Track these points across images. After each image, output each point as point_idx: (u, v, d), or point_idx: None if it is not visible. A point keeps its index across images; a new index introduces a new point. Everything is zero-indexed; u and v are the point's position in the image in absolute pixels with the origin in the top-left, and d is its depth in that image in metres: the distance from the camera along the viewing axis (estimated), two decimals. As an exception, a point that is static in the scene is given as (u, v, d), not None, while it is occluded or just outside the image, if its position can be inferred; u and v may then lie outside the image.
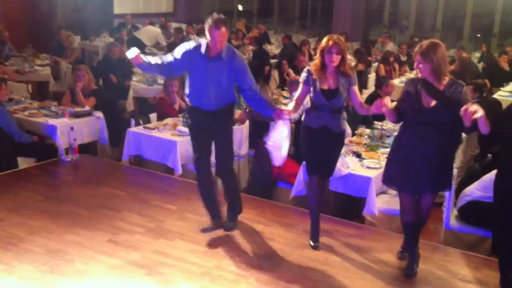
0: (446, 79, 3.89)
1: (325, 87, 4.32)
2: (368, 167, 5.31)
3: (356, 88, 4.40)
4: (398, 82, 9.57)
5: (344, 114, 4.47)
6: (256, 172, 6.00)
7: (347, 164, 5.34)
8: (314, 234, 4.61)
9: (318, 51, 4.34)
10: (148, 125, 6.41)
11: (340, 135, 4.46)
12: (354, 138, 6.21)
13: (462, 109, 3.61)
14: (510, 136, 3.86)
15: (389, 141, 5.81)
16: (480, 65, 11.76)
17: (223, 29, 4.20)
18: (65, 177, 6.08)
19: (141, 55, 4.29)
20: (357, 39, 15.51)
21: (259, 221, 5.04)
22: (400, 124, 4.19)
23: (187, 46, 4.44)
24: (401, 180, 4.07)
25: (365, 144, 5.98)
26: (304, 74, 4.42)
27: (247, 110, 6.66)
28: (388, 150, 4.50)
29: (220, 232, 4.72)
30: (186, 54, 4.39)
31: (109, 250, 4.35)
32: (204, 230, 4.67)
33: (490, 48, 13.47)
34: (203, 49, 4.34)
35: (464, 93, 3.86)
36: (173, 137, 6.04)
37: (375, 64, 11.12)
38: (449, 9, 15.80)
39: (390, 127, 6.16)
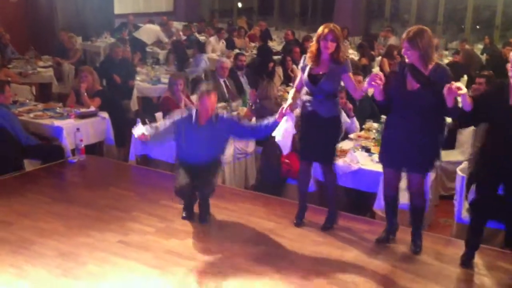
0: (432, 64, 4.01)
1: (314, 73, 4.45)
2: (378, 162, 5.27)
3: (350, 74, 4.48)
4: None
5: (337, 100, 4.56)
6: (264, 170, 5.96)
7: (357, 159, 5.31)
8: (299, 214, 4.90)
9: (314, 39, 4.47)
10: (153, 124, 6.35)
11: (330, 120, 4.50)
12: (362, 133, 6.18)
13: (446, 86, 3.73)
14: (491, 115, 3.93)
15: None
16: (483, 57, 11.70)
17: (213, 96, 4.72)
18: (73, 178, 6.06)
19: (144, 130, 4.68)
20: (358, 33, 15.48)
21: (270, 218, 5.01)
22: None
23: (176, 116, 4.84)
24: (385, 157, 4.35)
25: (374, 138, 5.94)
26: (301, 61, 4.62)
27: (253, 108, 6.62)
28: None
29: (230, 230, 4.70)
30: (175, 125, 4.83)
31: (121, 251, 4.32)
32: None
33: (493, 39, 13.41)
34: (193, 118, 4.78)
35: (448, 76, 3.95)
36: (180, 136, 6.00)
37: (378, 58, 11.07)
38: (451, 1, 15.75)
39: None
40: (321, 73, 4.43)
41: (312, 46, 4.47)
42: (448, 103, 3.81)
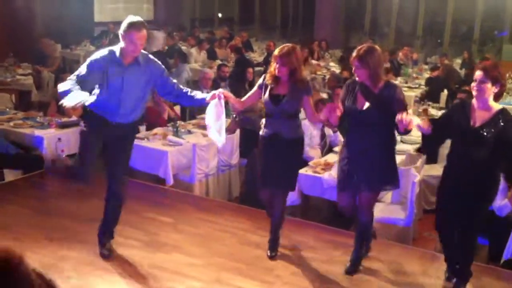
0: (382, 82, 4.03)
1: (274, 93, 4.28)
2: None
3: (309, 98, 4.31)
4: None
5: (299, 121, 4.39)
6: (249, 182, 5.95)
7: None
8: (272, 245, 4.56)
9: (272, 59, 4.31)
10: (137, 135, 6.30)
11: (293, 142, 4.32)
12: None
13: (397, 118, 3.74)
14: (453, 135, 3.98)
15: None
16: (462, 72, 11.89)
17: (144, 31, 4.07)
18: (53, 189, 5.95)
19: (71, 96, 3.89)
20: (338, 46, 15.59)
21: (254, 231, 4.99)
22: None
23: (97, 55, 4.13)
24: (341, 179, 4.19)
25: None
26: (260, 79, 4.42)
27: (237, 120, 6.61)
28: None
29: (216, 244, 4.66)
30: (97, 64, 4.07)
31: (105, 265, 4.25)
32: None
33: (471, 54, 13.63)
34: (117, 54, 4.08)
35: (397, 93, 4.02)
36: (164, 147, 5.97)
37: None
38: (430, 15, 15.99)
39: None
40: (282, 93, 4.25)
41: (271, 66, 4.27)
42: (400, 129, 3.85)
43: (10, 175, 6.03)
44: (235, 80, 9.34)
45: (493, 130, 3.71)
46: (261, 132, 4.41)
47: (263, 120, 4.44)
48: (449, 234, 4.09)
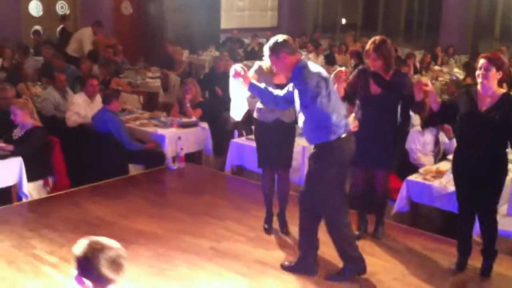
0: (392, 71, 4.49)
1: (277, 82, 4.46)
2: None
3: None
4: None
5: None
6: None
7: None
8: (267, 218, 5.00)
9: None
10: (250, 136, 6.53)
11: (292, 125, 4.66)
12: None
13: (416, 82, 4.26)
14: (460, 120, 4.21)
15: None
16: None
17: None
18: (172, 184, 6.35)
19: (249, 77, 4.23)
20: (465, 52, 14.93)
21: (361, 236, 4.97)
22: None
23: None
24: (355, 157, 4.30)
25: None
26: (255, 66, 4.64)
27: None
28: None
29: (321, 247, 4.71)
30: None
31: (212, 257, 4.49)
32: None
33: None
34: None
35: (407, 79, 4.56)
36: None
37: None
38: None
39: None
40: (285, 83, 4.32)
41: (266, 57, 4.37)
42: (417, 97, 4.26)
43: (133, 170, 6.52)
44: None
45: (499, 113, 3.97)
46: (260, 118, 4.67)
47: (259, 108, 4.64)
48: (467, 218, 4.29)
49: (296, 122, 4.52)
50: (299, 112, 4.05)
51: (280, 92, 4.20)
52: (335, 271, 4.22)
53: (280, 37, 4.07)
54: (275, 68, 4.14)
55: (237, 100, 4.46)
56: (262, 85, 4.23)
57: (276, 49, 4.00)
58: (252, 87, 4.20)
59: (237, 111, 4.53)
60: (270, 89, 4.23)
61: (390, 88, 4.46)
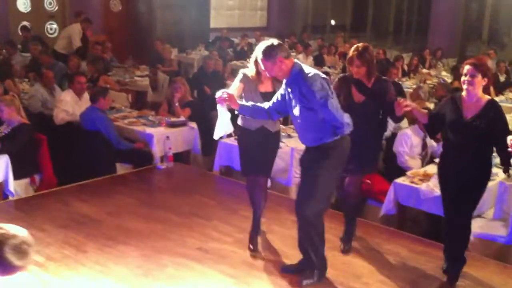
0: (373, 77, 4.48)
1: (262, 90, 4.45)
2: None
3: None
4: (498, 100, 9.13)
5: None
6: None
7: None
8: (252, 236, 4.74)
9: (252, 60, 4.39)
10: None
11: (276, 134, 4.66)
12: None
13: (396, 102, 4.26)
14: (446, 127, 4.23)
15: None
16: None
17: None
18: (160, 184, 6.33)
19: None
20: (453, 55, 15.04)
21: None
22: None
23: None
24: None
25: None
26: (240, 74, 4.51)
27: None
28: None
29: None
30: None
31: (199, 258, 4.48)
32: None
33: None
34: None
35: (388, 86, 4.55)
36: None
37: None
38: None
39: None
40: (270, 91, 4.39)
41: (252, 67, 4.41)
42: (397, 112, 4.32)
43: (121, 169, 6.49)
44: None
45: (485, 121, 3.98)
46: (243, 125, 4.55)
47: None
48: (451, 221, 4.27)
49: (279, 131, 4.67)
50: (296, 117, 3.98)
51: (268, 104, 4.17)
52: (306, 274, 4.16)
53: (274, 41, 3.98)
54: (269, 73, 4.01)
55: (222, 121, 4.23)
56: (250, 104, 4.18)
57: (272, 53, 3.86)
58: (242, 110, 4.16)
59: (220, 132, 4.28)
60: (259, 104, 4.19)
61: (373, 96, 4.47)
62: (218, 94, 4.08)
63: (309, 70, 3.92)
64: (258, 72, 4.37)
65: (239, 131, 4.65)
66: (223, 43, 13.76)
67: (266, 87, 4.48)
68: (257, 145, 4.55)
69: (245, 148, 4.65)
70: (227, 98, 4.05)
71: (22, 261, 2.53)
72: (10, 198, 5.58)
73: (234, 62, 12.75)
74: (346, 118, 3.91)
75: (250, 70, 4.46)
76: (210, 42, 14.56)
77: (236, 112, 4.31)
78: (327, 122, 3.87)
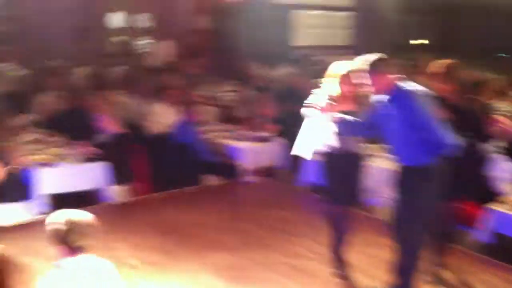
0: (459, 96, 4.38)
1: (346, 109, 4.22)
2: None
3: None
4: None
5: None
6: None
7: None
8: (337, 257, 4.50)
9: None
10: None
11: (363, 157, 4.46)
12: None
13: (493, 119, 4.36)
14: None
15: None
16: None
17: None
18: (247, 197, 6.43)
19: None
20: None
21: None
22: None
23: None
24: None
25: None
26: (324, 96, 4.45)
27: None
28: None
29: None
30: None
31: (287, 273, 4.51)
32: None
33: None
34: None
35: (476, 105, 4.65)
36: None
37: None
38: None
39: None
40: (355, 110, 4.19)
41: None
42: (487, 130, 4.38)
43: (209, 181, 6.65)
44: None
45: None
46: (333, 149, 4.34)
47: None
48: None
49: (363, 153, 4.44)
50: (395, 133, 3.87)
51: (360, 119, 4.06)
52: None
53: (380, 55, 3.91)
54: (372, 87, 3.91)
55: (308, 138, 4.28)
56: (348, 117, 4.07)
57: (379, 66, 3.83)
58: (340, 123, 4.09)
59: (305, 149, 4.33)
60: (354, 118, 4.07)
61: (460, 115, 4.19)
62: (319, 102, 4.11)
63: (413, 86, 3.85)
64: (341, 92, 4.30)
65: (327, 155, 4.45)
66: (307, 60, 13.79)
67: (349, 106, 4.29)
68: (349, 171, 4.35)
69: (335, 174, 4.43)
70: (333, 105, 4.06)
71: (84, 241, 2.81)
72: (108, 202, 5.84)
73: (318, 79, 12.73)
74: (450, 139, 3.72)
75: (335, 89, 4.36)
76: (294, 60, 14.64)
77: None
78: (427, 140, 3.73)
